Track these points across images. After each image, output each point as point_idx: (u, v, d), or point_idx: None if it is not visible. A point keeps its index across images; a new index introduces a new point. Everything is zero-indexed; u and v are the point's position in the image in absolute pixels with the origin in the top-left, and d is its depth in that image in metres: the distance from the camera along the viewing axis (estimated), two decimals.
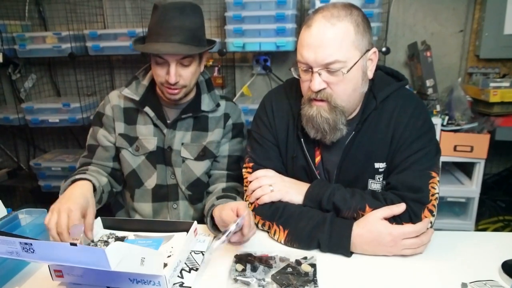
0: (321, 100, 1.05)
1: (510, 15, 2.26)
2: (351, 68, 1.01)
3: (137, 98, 1.34)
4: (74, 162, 2.56)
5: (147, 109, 1.33)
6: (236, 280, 0.90)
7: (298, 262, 0.97)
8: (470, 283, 0.90)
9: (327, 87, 1.04)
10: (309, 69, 1.04)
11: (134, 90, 1.35)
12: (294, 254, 1.02)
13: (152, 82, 1.37)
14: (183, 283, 0.92)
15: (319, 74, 1.02)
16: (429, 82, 2.23)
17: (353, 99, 1.07)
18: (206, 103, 1.38)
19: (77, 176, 1.19)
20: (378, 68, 1.22)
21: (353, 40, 1.00)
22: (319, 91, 1.04)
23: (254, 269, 0.94)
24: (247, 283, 0.89)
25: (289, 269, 0.93)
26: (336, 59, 0.99)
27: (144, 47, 1.25)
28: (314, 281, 0.90)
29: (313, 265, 0.95)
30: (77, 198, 1.09)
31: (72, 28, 2.37)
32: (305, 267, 0.94)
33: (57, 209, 1.03)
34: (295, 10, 2.15)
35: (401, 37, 2.47)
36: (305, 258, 0.99)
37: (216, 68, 2.54)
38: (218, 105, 1.40)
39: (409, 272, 0.96)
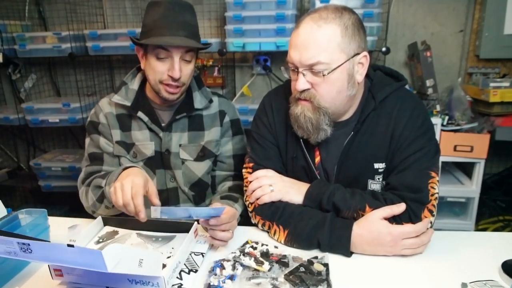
0: (305, 100, 1.06)
1: (510, 15, 2.26)
2: (333, 70, 1.01)
3: (128, 103, 1.30)
4: (74, 162, 2.56)
5: (140, 114, 1.30)
6: (248, 279, 0.90)
7: (311, 262, 0.97)
8: (470, 283, 0.90)
9: (311, 87, 1.05)
10: (296, 69, 1.05)
11: (124, 96, 1.31)
12: (306, 253, 1.02)
13: (142, 86, 1.34)
14: (181, 284, 0.92)
15: (304, 75, 1.03)
16: (429, 82, 2.23)
17: (338, 101, 1.07)
18: (198, 101, 1.35)
19: (125, 166, 1.14)
20: (378, 68, 1.22)
21: (339, 43, 1.00)
22: (303, 91, 1.05)
23: (268, 269, 0.93)
24: (259, 283, 0.89)
25: (302, 269, 0.93)
26: (319, 61, 1.00)
27: (150, 40, 1.19)
28: (327, 280, 0.90)
29: (325, 264, 0.95)
30: (137, 172, 1.06)
31: (72, 28, 2.37)
32: (318, 266, 0.94)
33: (119, 185, 1.01)
34: (295, 10, 2.15)
35: (401, 37, 2.47)
36: (316, 257, 0.99)
37: (216, 68, 2.54)
38: (210, 101, 1.37)
39: (409, 272, 0.96)
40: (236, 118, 1.43)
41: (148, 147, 1.32)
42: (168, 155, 1.33)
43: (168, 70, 1.22)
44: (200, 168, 1.37)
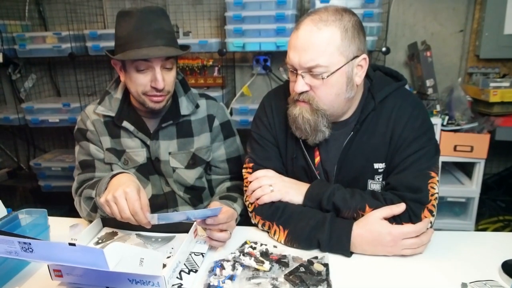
0: (304, 102, 1.06)
1: (510, 15, 2.26)
2: (332, 74, 1.01)
3: (112, 114, 1.27)
4: (74, 162, 2.55)
5: (125, 123, 1.27)
6: (248, 279, 0.90)
7: (311, 262, 0.97)
8: (470, 283, 0.90)
9: (310, 90, 1.05)
10: (295, 70, 1.05)
11: (108, 106, 1.28)
12: (306, 253, 1.02)
13: (125, 94, 1.30)
14: (181, 284, 0.92)
15: (303, 77, 1.03)
16: (429, 82, 2.24)
17: (336, 104, 1.07)
18: (184, 106, 1.31)
19: (114, 172, 1.10)
20: (377, 68, 1.22)
21: (339, 46, 1.00)
22: (302, 92, 1.05)
23: (269, 268, 0.94)
24: (259, 283, 0.89)
25: (302, 269, 0.93)
26: (318, 64, 1.00)
27: (128, 55, 1.14)
28: (327, 280, 0.90)
29: (325, 264, 0.95)
30: (127, 181, 1.02)
31: (72, 28, 2.37)
32: (318, 266, 0.94)
33: (111, 198, 0.98)
34: (295, 10, 2.16)
35: (401, 37, 2.47)
36: (316, 257, 0.99)
37: (216, 68, 2.54)
38: (197, 106, 1.33)
39: (409, 272, 0.96)
40: (226, 120, 1.39)
41: (140, 154, 1.30)
42: (158, 162, 1.30)
43: (151, 82, 1.18)
44: (192, 176, 1.34)
